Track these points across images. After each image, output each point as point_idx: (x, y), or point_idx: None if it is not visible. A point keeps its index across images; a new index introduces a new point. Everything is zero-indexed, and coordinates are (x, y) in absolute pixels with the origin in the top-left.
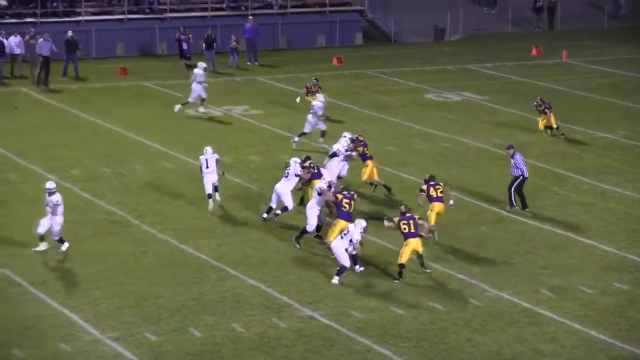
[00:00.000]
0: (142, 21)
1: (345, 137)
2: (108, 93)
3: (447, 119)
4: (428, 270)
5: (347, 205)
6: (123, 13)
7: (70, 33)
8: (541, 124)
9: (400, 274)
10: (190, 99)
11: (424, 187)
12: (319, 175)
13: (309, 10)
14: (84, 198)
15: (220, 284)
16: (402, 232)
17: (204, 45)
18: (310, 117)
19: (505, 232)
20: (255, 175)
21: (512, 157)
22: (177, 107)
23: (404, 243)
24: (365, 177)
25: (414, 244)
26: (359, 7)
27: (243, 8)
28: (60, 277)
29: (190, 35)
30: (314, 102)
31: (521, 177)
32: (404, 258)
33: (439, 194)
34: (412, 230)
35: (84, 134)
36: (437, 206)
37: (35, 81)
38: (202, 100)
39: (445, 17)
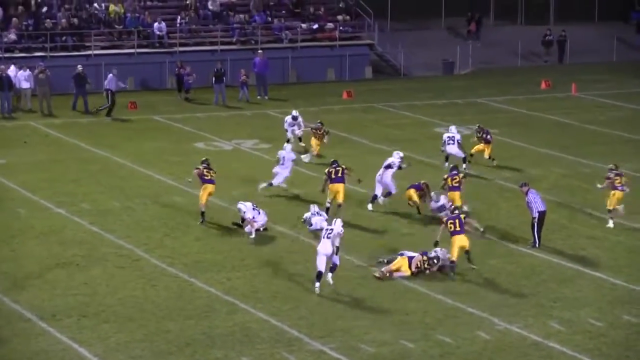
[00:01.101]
0: (151, 55)
1: (398, 153)
2: (118, 127)
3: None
4: (474, 267)
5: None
6: (132, 47)
7: (80, 67)
8: (476, 148)
9: (452, 269)
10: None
11: (446, 176)
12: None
13: (318, 44)
14: (93, 232)
15: (229, 318)
16: (449, 231)
17: (213, 79)
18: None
19: (514, 266)
20: (265, 208)
21: (526, 194)
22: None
23: (451, 241)
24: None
25: (460, 241)
26: (369, 41)
27: (253, 42)
28: (70, 311)
29: (189, 69)
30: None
31: (537, 214)
32: (454, 255)
33: (455, 184)
34: (458, 229)
35: (93, 168)
36: (454, 195)
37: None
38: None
39: (455, 51)
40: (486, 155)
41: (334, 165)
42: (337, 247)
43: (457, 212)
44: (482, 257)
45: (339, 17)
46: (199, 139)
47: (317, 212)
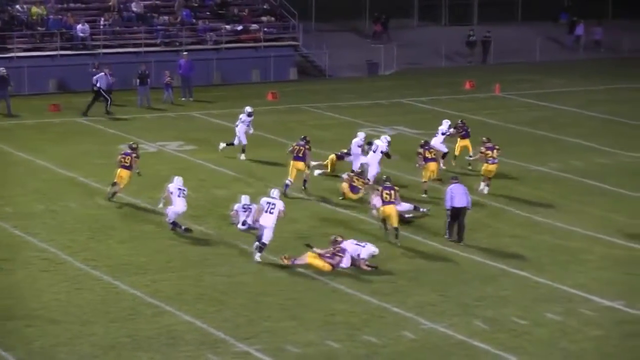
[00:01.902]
0: (74, 57)
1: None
2: (40, 130)
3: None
4: (398, 243)
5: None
6: (55, 49)
7: (3, 70)
8: (459, 146)
9: (396, 236)
10: (235, 142)
11: (421, 150)
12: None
13: (243, 46)
14: (16, 236)
15: (154, 321)
16: (382, 200)
17: (137, 81)
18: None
19: (439, 265)
20: (190, 211)
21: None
22: (222, 145)
23: (382, 209)
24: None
25: (390, 209)
26: (293, 42)
27: (177, 44)
28: None
29: (107, 70)
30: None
31: (450, 209)
32: (394, 223)
33: (433, 156)
34: (392, 199)
35: (16, 171)
36: (432, 165)
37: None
38: (243, 147)
39: (379, 52)
40: (471, 152)
41: (300, 144)
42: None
43: (389, 184)
44: (408, 257)
45: (264, 19)
46: (123, 141)
47: (247, 206)
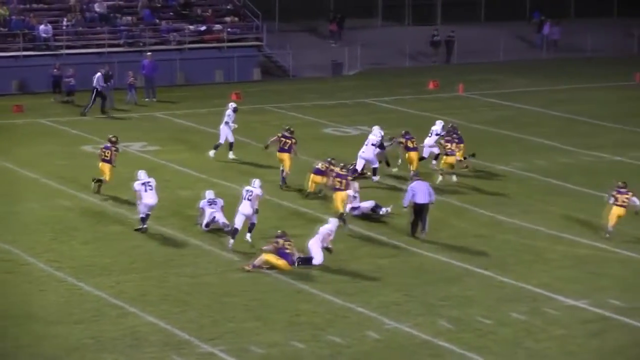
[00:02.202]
0: (37, 58)
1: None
2: (3, 131)
3: (347, 152)
4: (345, 228)
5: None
6: (18, 50)
7: None
8: (459, 154)
9: (344, 221)
10: (221, 141)
11: (402, 139)
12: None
13: (206, 46)
14: None
15: (118, 322)
16: (333, 187)
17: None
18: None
19: (404, 265)
20: (154, 211)
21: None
22: (212, 152)
23: (334, 196)
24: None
25: (340, 196)
26: (257, 43)
27: (140, 44)
28: None
29: (72, 71)
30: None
31: (406, 206)
32: (340, 209)
33: (415, 145)
34: (342, 188)
35: None
36: (413, 155)
37: None
38: (230, 144)
39: (343, 52)
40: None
41: (284, 135)
42: (256, 209)
43: (345, 174)
44: (372, 257)
45: (227, 19)
46: (86, 141)
47: (212, 200)
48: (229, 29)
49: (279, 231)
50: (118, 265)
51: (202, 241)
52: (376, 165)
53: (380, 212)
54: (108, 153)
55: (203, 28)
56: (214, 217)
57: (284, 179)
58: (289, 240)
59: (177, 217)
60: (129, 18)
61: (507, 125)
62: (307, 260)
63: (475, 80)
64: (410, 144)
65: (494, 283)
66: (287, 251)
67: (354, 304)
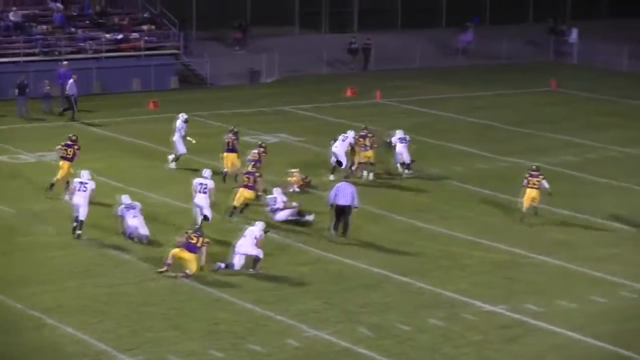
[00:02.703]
0: None
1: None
2: None
3: (266, 160)
4: (230, 219)
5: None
6: None
7: None
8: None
9: (232, 214)
10: (181, 151)
11: (361, 139)
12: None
13: (123, 55)
14: None
15: (35, 333)
16: (242, 184)
17: (16, 91)
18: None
19: (323, 272)
20: (68, 222)
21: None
22: (173, 164)
23: (239, 191)
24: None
25: (245, 192)
26: (174, 51)
27: (56, 53)
28: None
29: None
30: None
31: (329, 206)
32: (238, 202)
33: (368, 144)
34: (250, 184)
35: None
36: (368, 153)
37: None
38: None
39: (261, 60)
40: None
41: (229, 136)
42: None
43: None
44: (291, 265)
45: (144, 27)
46: (2, 151)
47: (130, 205)
48: (146, 38)
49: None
50: (35, 276)
51: (119, 251)
52: (343, 162)
53: (304, 219)
54: (70, 151)
55: (120, 36)
56: (136, 228)
57: (224, 177)
58: (197, 232)
59: (94, 226)
60: (44, 27)
61: (424, 131)
62: (228, 266)
63: (392, 87)
64: (367, 142)
65: (412, 289)
66: (193, 242)
67: (274, 312)
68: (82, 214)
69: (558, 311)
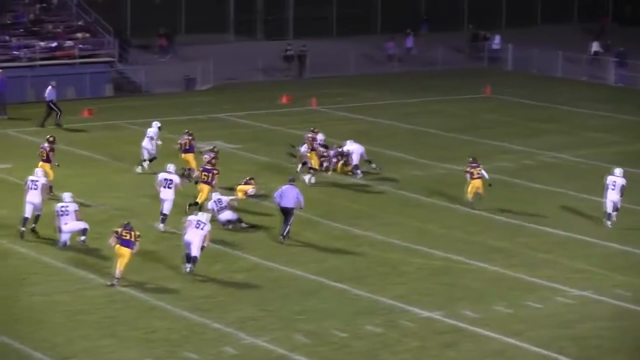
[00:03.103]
0: None
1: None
2: None
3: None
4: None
5: None
6: None
7: None
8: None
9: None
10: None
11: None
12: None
13: (58, 62)
14: None
15: None
16: (201, 180)
17: None
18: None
19: (259, 279)
20: (2, 231)
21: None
22: (145, 164)
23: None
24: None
25: (205, 188)
26: (109, 59)
27: None
28: None
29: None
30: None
31: (278, 207)
32: (201, 199)
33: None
34: (209, 180)
35: None
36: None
37: None
38: (151, 159)
39: (196, 67)
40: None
41: (184, 138)
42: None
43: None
44: (227, 272)
45: (78, 35)
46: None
47: (65, 208)
48: (80, 45)
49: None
50: None
51: (55, 259)
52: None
53: (242, 226)
54: (44, 153)
55: (54, 44)
56: (64, 232)
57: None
58: (127, 228)
59: (29, 235)
60: None
61: (361, 138)
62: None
63: (328, 94)
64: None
65: (349, 296)
66: (126, 238)
67: (210, 319)
68: (36, 211)
69: (495, 317)
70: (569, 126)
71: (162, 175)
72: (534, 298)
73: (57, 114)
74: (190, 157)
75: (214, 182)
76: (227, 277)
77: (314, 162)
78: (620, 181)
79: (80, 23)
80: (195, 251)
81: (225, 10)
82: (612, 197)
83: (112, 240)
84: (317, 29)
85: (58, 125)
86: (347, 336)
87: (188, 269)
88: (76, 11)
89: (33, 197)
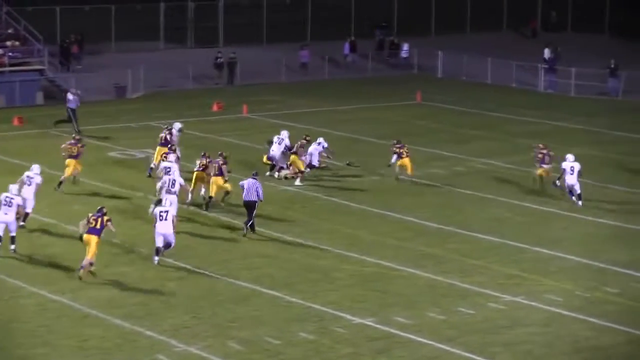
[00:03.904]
0: None
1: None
2: None
3: (132, 176)
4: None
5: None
6: None
7: None
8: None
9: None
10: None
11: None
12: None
13: None
14: None
15: None
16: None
17: None
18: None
19: (192, 287)
20: None
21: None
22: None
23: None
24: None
25: (216, 180)
26: (39, 67)
27: None
28: None
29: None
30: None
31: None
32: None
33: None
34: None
35: None
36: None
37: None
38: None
39: (127, 75)
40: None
41: (164, 132)
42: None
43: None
44: (160, 280)
45: (8, 43)
46: None
47: (7, 200)
48: (10, 53)
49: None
50: None
51: None
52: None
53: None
54: (75, 149)
55: None
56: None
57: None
58: (97, 214)
59: None
60: None
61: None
62: (168, 246)
63: (259, 102)
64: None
65: (282, 303)
66: (92, 225)
67: (143, 327)
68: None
69: (427, 323)
70: (499, 132)
71: (162, 164)
72: (466, 304)
73: (68, 120)
74: (164, 150)
75: (224, 172)
76: (160, 284)
77: (300, 165)
78: (577, 166)
79: (10, 31)
80: (167, 239)
81: (156, 17)
82: (572, 181)
83: (81, 227)
84: (248, 36)
85: (56, 124)
86: (280, 343)
87: (156, 262)
88: (5, 19)
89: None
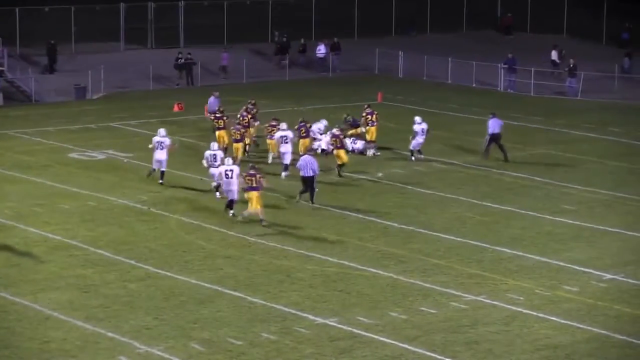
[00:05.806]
0: None
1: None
2: None
3: (92, 177)
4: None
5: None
6: None
7: None
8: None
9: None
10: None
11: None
12: None
13: None
14: None
15: None
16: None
17: None
18: None
19: (154, 289)
20: None
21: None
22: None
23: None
24: None
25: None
26: None
27: None
28: None
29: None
30: None
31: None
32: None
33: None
34: (254, 185)
35: None
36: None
37: None
38: None
39: (87, 76)
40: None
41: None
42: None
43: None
44: (121, 281)
45: None
46: None
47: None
48: None
49: None
50: None
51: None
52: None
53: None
54: (221, 122)
55: None
56: None
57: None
58: (251, 171)
59: None
60: None
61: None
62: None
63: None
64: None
65: (244, 304)
66: (249, 184)
67: (105, 329)
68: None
69: (390, 322)
70: (458, 132)
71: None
72: (428, 303)
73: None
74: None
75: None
76: (121, 286)
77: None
78: (425, 126)
79: None
80: (236, 194)
81: (116, 18)
82: (422, 140)
83: (241, 182)
84: (209, 36)
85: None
86: (242, 344)
87: (231, 214)
88: None
89: (160, 155)
